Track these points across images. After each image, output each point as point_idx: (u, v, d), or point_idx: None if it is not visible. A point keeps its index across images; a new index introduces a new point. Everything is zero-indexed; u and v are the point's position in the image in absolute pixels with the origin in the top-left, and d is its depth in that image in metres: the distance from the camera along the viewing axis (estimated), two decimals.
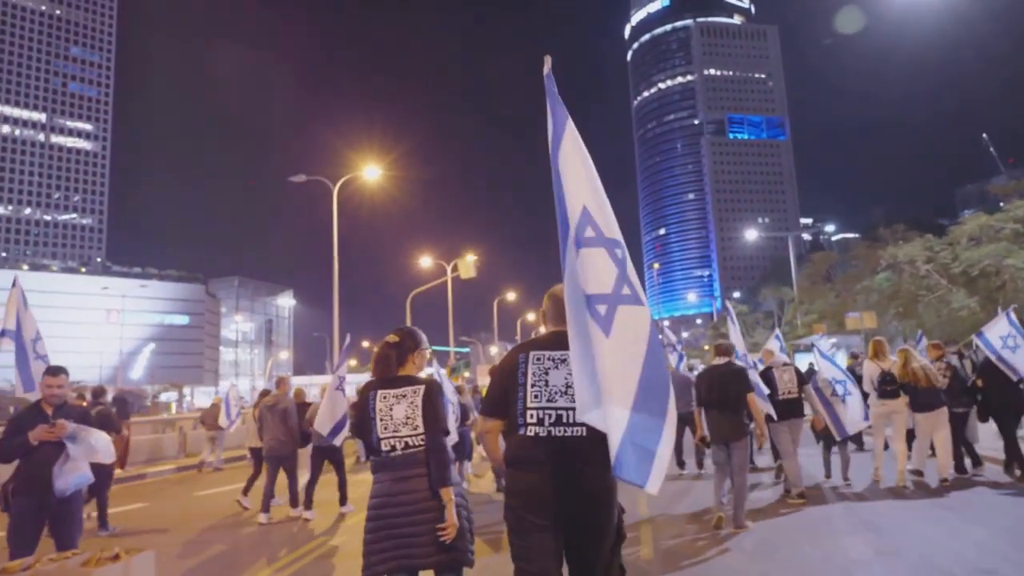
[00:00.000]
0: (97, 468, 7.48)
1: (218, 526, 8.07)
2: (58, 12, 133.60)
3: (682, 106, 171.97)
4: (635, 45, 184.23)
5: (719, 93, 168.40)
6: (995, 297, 23.60)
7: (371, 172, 23.97)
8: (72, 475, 4.43)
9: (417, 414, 3.21)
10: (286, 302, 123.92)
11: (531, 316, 53.20)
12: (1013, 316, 8.38)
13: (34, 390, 6.63)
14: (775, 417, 7.55)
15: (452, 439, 6.78)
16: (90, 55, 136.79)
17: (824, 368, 8.67)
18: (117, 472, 10.20)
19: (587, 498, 2.64)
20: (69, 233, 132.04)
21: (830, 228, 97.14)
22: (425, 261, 35.46)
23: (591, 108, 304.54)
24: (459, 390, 9.94)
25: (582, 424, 2.64)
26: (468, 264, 30.63)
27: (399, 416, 3.21)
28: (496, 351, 49.51)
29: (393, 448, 3.19)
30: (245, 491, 9.12)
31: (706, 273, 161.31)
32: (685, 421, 9.09)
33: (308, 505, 8.20)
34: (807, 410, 8.16)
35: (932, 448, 8.18)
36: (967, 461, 8.46)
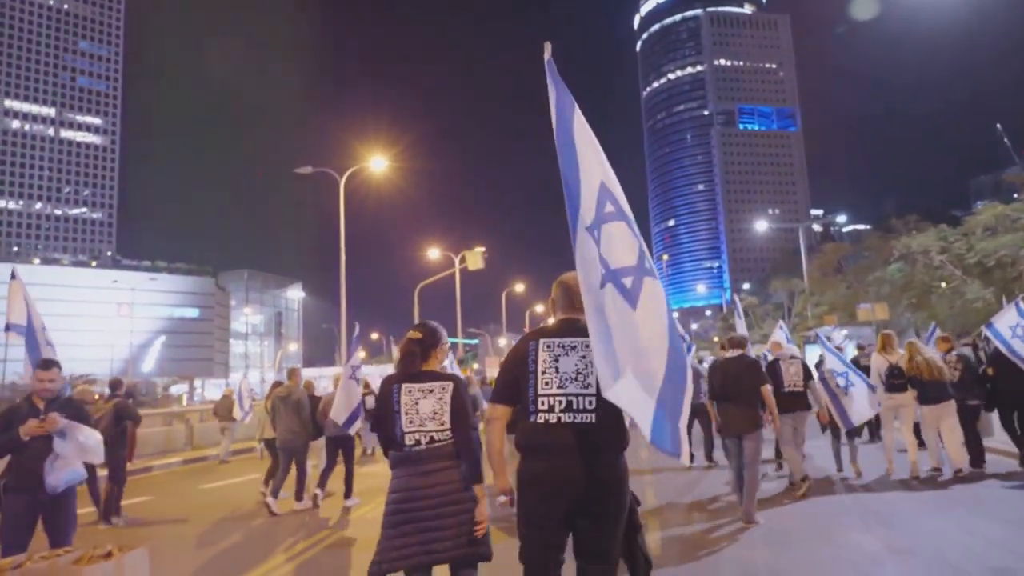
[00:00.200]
0: (111, 460, 7.58)
1: (229, 518, 8.11)
2: (66, 6, 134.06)
3: (692, 96, 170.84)
4: (644, 35, 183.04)
5: (729, 83, 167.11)
6: (1011, 288, 23.28)
7: (378, 163, 23.97)
8: (63, 471, 4.31)
9: (445, 410, 3.24)
10: (295, 294, 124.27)
11: (540, 308, 53.21)
12: (1023, 305, 8.22)
13: None
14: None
15: None
16: (99, 49, 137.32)
17: (828, 359, 8.75)
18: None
19: (598, 484, 2.63)
20: (79, 227, 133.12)
21: (841, 219, 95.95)
22: (433, 252, 35.55)
23: (600, 98, 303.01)
24: (467, 381, 9.97)
25: (592, 410, 2.66)
26: (476, 255, 30.63)
27: (426, 411, 3.23)
28: (505, 343, 49.59)
29: (417, 442, 3.20)
30: (266, 481, 8.89)
31: (716, 265, 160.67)
32: (695, 412, 9.07)
33: (323, 487, 8.23)
34: (813, 403, 8.14)
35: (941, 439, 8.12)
36: (967, 457, 8.33)
